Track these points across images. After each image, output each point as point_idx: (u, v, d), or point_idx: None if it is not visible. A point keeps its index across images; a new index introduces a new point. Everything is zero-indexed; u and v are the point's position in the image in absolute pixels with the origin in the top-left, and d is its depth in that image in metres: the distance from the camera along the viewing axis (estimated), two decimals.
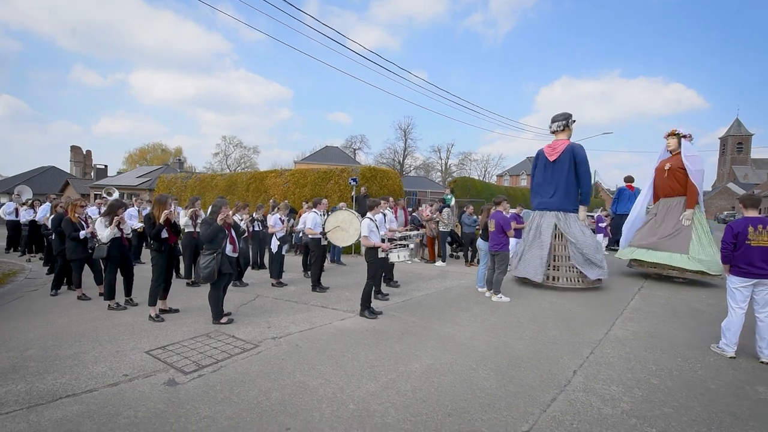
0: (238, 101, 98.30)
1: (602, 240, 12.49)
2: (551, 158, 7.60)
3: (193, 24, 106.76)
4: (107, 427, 2.71)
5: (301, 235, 8.44)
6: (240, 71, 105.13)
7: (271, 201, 11.84)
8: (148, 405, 2.99)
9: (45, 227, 9.10)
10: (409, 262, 10.10)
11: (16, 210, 11.14)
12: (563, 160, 7.46)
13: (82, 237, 5.92)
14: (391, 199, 8.62)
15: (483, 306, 6.07)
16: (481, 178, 57.41)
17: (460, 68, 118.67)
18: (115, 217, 5.34)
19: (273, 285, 7.21)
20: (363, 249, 5.59)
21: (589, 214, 18.70)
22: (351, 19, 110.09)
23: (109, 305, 5.58)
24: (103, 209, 5.92)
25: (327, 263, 9.69)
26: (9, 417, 2.82)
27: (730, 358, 4.21)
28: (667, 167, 8.19)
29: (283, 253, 7.44)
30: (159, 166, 34.13)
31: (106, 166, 37.02)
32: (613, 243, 13.18)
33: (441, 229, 10.10)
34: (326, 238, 6.89)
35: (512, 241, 7.47)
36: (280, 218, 7.35)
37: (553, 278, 7.32)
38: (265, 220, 8.25)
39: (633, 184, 13.83)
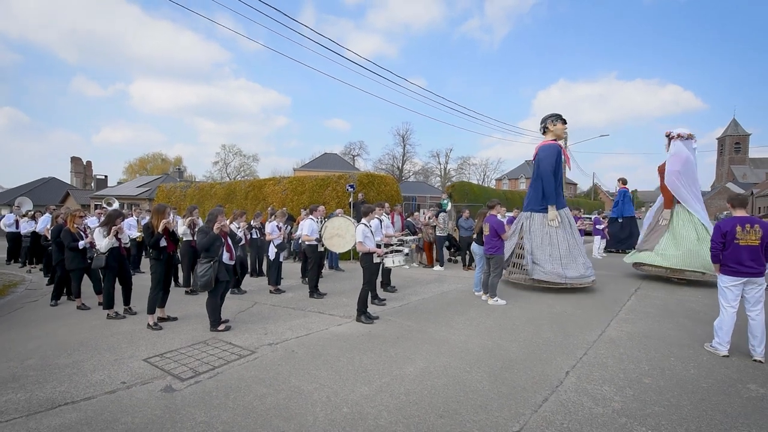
0: (236, 109, 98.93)
1: (599, 242, 12.54)
2: (532, 159, 8.04)
3: (191, 33, 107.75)
4: None
5: (300, 242, 8.50)
6: (240, 80, 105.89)
7: (269, 209, 11.92)
8: (145, 411, 3.03)
9: (45, 238, 9.17)
10: (407, 267, 10.20)
11: (16, 222, 11.22)
12: (536, 162, 7.81)
13: (81, 247, 5.99)
14: (387, 205, 8.70)
15: (479, 309, 6.11)
16: (480, 183, 57.59)
17: (457, 73, 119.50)
18: (113, 227, 5.41)
19: (271, 292, 7.26)
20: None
21: (587, 216, 18.77)
22: (347, 27, 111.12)
23: (108, 314, 5.63)
24: (102, 219, 5.99)
25: (325, 270, 9.75)
26: (9, 425, 2.87)
27: (723, 356, 4.25)
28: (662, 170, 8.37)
29: (281, 260, 7.50)
30: (159, 176, 34.29)
31: (106, 176, 37.21)
32: (617, 245, 13.23)
33: (438, 233, 10.16)
34: (323, 245, 6.95)
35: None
36: (277, 225, 7.42)
37: (510, 274, 7.73)
38: (263, 228, 8.32)
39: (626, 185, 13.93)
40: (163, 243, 5.22)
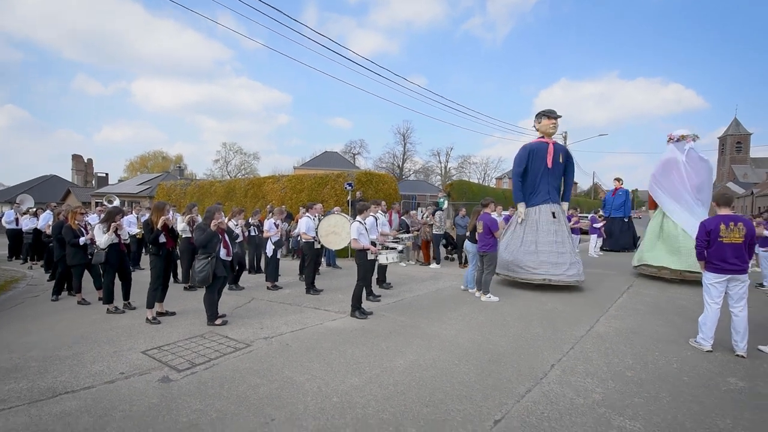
0: (238, 108, 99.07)
1: (595, 241, 12.64)
2: None
3: (193, 32, 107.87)
4: (104, 419, 2.88)
5: (299, 239, 8.62)
6: (242, 78, 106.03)
7: (268, 206, 12.04)
8: (143, 400, 3.16)
9: (46, 235, 9.30)
10: (404, 264, 10.32)
11: (17, 219, 11.35)
12: None
13: (81, 243, 6.11)
14: (383, 203, 8.81)
15: (472, 306, 6.23)
16: (480, 181, 57.67)
17: (459, 72, 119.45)
18: (113, 224, 5.53)
19: (268, 288, 7.39)
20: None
21: (583, 215, 18.86)
22: (349, 24, 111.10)
23: (107, 309, 5.75)
24: (102, 216, 6.11)
25: (323, 267, 9.87)
26: (12, 412, 2.99)
27: (707, 351, 4.36)
28: None
29: (279, 257, 7.61)
30: (159, 174, 34.42)
31: (107, 174, 37.36)
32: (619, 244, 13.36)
33: (434, 232, 10.27)
34: (319, 242, 7.06)
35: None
36: (275, 223, 7.54)
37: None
38: (262, 225, 8.44)
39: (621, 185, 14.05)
40: (162, 239, 5.33)
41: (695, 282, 8.10)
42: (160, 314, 5.49)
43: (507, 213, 10.63)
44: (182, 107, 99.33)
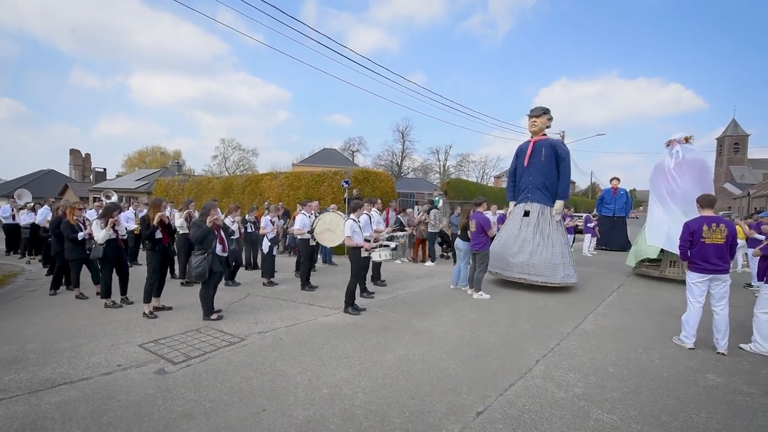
0: (236, 103, 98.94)
1: (589, 240, 12.78)
2: None
3: (191, 26, 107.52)
4: (101, 408, 2.98)
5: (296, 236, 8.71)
6: (240, 74, 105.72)
7: (266, 203, 12.13)
8: (139, 390, 3.26)
9: (44, 229, 9.37)
10: (399, 262, 10.43)
11: (13, 214, 11.42)
12: None
13: (80, 238, 6.20)
14: (379, 201, 8.91)
15: (463, 303, 6.35)
16: (479, 180, 57.77)
17: (459, 69, 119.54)
18: (110, 219, 5.62)
19: (264, 284, 7.49)
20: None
21: (577, 214, 19.00)
22: (349, 20, 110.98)
23: (105, 303, 5.85)
24: (100, 212, 6.20)
25: (319, 264, 9.97)
26: (12, 401, 3.10)
27: (689, 349, 4.49)
28: None
29: (274, 253, 7.71)
30: (157, 169, 34.43)
31: (104, 169, 37.38)
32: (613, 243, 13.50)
33: (429, 230, 10.38)
34: (314, 239, 7.16)
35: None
36: (270, 220, 7.63)
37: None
38: (258, 222, 8.53)
39: (618, 185, 14.18)
40: (158, 235, 5.43)
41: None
42: (157, 309, 5.59)
43: (501, 212, 10.75)
44: (181, 102, 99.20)
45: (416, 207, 13.40)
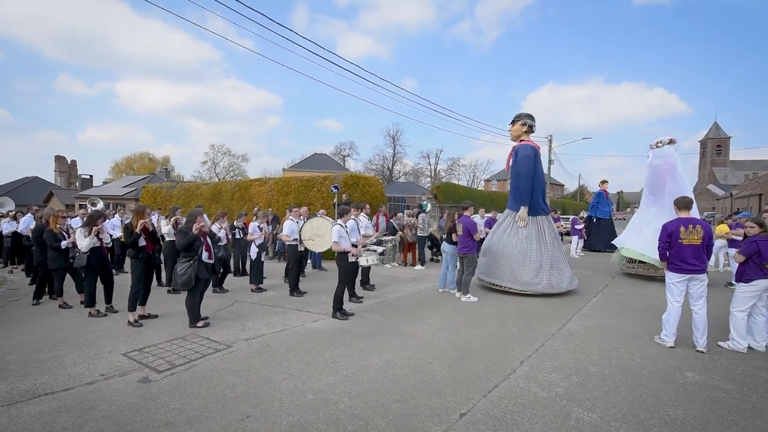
0: (227, 109, 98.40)
1: (576, 242, 12.97)
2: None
3: (181, 32, 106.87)
4: (82, 419, 2.95)
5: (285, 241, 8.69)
6: (231, 80, 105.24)
7: (255, 209, 12.08)
8: (122, 400, 3.24)
9: (27, 238, 9.21)
10: (389, 266, 10.46)
11: None
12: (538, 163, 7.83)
13: (63, 247, 6.11)
14: (367, 206, 8.96)
15: (451, 306, 6.40)
16: (469, 184, 58.22)
17: (449, 75, 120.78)
18: (94, 228, 5.56)
19: (252, 291, 7.45)
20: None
21: (564, 216, 19.25)
22: (340, 27, 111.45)
23: (89, 312, 5.77)
24: (84, 220, 6.12)
25: (309, 269, 9.95)
26: None
27: (670, 348, 4.59)
28: None
29: (262, 259, 7.69)
30: (145, 176, 34.02)
31: (91, 176, 36.77)
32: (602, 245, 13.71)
33: (418, 234, 10.44)
34: (302, 245, 7.17)
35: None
36: (258, 226, 7.61)
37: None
38: (247, 228, 8.49)
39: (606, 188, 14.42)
40: (142, 242, 5.38)
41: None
42: (142, 317, 5.53)
43: (489, 216, 10.86)
44: (170, 109, 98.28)
45: (405, 212, 13.45)
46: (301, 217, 7.83)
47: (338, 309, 5.67)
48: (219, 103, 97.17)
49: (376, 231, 9.47)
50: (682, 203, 4.77)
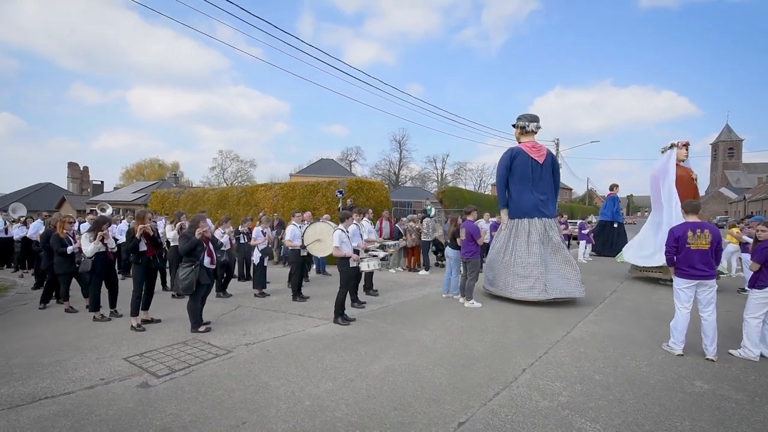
0: (236, 116, 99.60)
1: (584, 246, 12.80)
2: (540, 160, 7.29)
3: (191, 41, 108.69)
4: (80, 423, 2.96)
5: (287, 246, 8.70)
6: (240, 87, 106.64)
7: (260, 214, 12.14)
8: (120, 404, 3.24)
9: (37, 243, 9.35)
10: (393, 271, 10.41)
11: (6, 227, 11.40)
12: (548, 164, 7.34)
13: (69, 252, 6.19)
14: (370, 211, 8.94)
15: (454, 312, 6.33)
16: (476, 188, 57.98)
17: (455, 80, 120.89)
18: (99, 233, 5.62)
19: (256, 295, 7.46)
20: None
21: (572, 221, 19.05)
22: (346, 34, 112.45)
23: (94, 317, 5.82)
24: (90, 225, 6.20)
25: (313, 273, 9.95)
26: None
27: (678, 355, 4.46)
28: (694, 176, 8.84)
29: (265, 264, 7.70)
30: (154, 182, 34.51)
31: (102, 182, 37.46)
32: (604, 248, 13.49)
33: (423, 238, 10.39)
34: (305, 250, 7.17)
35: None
36: (262, 231, 7.64)
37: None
38: (251, 233, 8.53)
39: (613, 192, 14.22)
40: (143, 247, 5.42)
41: None
42: (145, 321, 5.56)
43: (494, 220, 10.77)
44: (180, 116, 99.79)
45: (408, 215, 13.41)
46: (304, 222, 7.83)
47: (340, 314, 5.64)
48: (227, 110, 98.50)
49: (380, 236, 9.43)
50: (690, 207, 4.67)
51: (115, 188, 41.06)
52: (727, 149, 72.12)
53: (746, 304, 4.51)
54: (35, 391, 3.50)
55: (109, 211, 14.55)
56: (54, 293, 7.07)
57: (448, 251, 7.26)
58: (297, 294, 7.17)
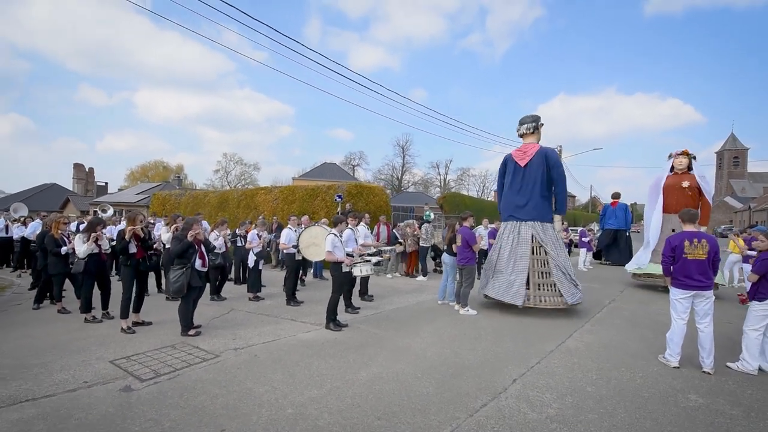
0: (241, 119, 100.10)
1: (585, 254, 12.67)
2: (522, 163, 7.16)
3: (197, 44, 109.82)
4: (57, 427, 2.91)
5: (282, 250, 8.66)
6: (245, 90, 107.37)
7: (260, 217, 12.13)
8: (100, 409, 3.19)
9: (33, 243, 9.38)
10: (389, 276, 10.33)
11: (7, 227, 11.45)
12: (535, 165, 7.05)
13: (63, 253, 6.18)
14: (367, 215, 8.90)
15: (448, 319, 6.25)
16: (479, 194, 57.83)
17: (459, 85, 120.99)
18: (93, 234, 5.61)
19: (250, 299, 7.42)
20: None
21: (573, 228, 18.88)
22: (351, 39, 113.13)
23: (85, 318, 5.80)
24: (84, 226, 6.19)
25: (309, 278, 9.91)
26: None
27: (674, 368, 4.36)
28: (685, 185, 8.66)
29: (260, 267, 7.66)
30: (158, 183, 34.67)
31: (106, 183, 37.67)
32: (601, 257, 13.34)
33: (421, 244, 10.32)
34: (300, 253, 7.12)
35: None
36: (257, 234, 7.61)
37: (537, 299, 6.61)
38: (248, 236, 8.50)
39: (618, 200, 14.09)
40: (133, 249, 5.39)
41: None
42: (136, 324, 5.52)
43: (493, 226, 10.69)
44: (185, 118, 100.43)
45: (406, 222, 13.34)
46: (300, 226, 7.79)
47: (332, 320, 5.58)
48: (232, 113, 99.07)
49: (377, 241, 9.38)
50: (686, 216, 4.59)
51: (120, 189, 41.30)
52: (732, 158, 71.65)
53: (746, 316, 4.42)
54: (17, 393, 3.46)
55: (110, 212, 14.60)
56: (48, 293, 7.06)
57: (445, 257, 7.19)
58: (291, 298, 7.12)
